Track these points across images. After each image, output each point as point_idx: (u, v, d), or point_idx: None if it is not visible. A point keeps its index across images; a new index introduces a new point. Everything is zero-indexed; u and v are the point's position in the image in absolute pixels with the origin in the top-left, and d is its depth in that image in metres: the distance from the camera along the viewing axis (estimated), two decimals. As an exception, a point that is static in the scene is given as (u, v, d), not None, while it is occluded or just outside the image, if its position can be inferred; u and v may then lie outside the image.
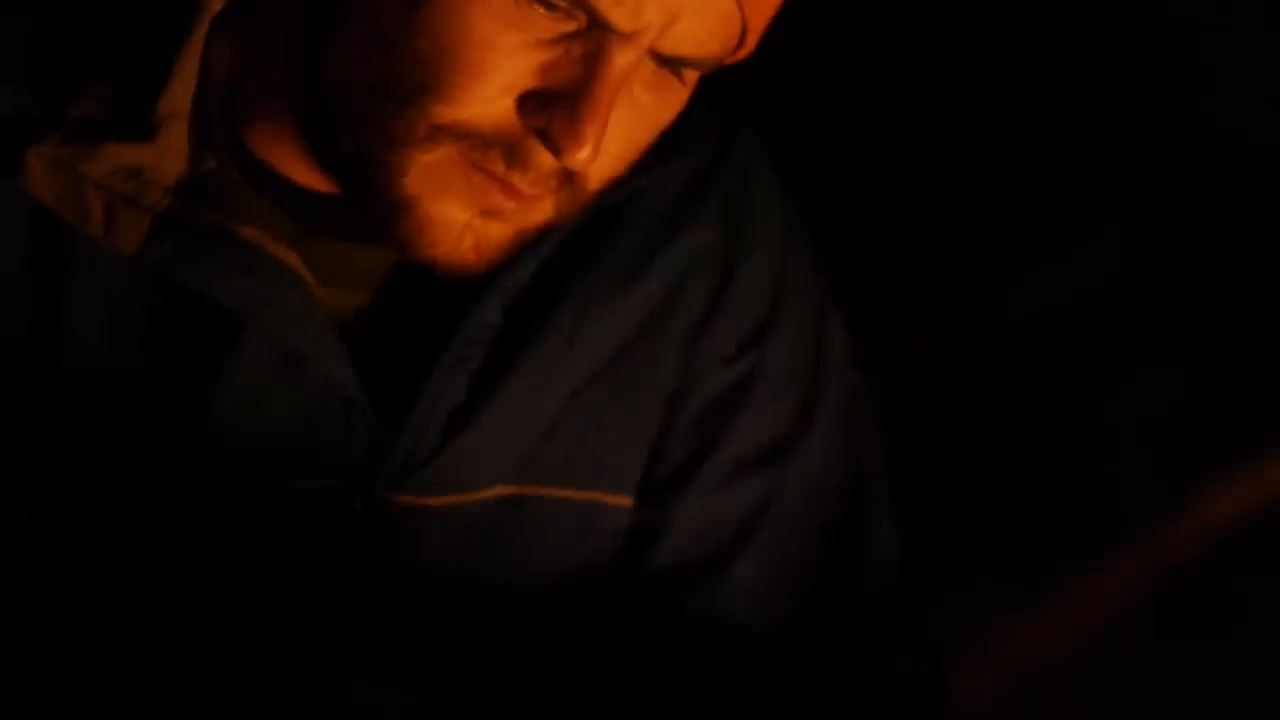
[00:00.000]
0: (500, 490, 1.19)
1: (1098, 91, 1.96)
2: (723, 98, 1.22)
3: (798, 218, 1.30)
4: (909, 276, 1.94)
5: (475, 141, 1.06)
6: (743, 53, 1.10)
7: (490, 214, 1.09)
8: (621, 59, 1.04)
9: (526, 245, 1.14)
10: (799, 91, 1.86)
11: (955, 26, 1.93)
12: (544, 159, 1.06)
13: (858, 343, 1.32)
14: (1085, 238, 1.97)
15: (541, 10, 1.03)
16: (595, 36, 1.04)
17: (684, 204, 1.25)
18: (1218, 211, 1.94)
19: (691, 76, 1.09)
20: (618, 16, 1.03)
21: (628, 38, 1.04)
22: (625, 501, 1.22)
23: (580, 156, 1.05)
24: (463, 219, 1.09)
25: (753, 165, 1.29)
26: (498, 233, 1.10)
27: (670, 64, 1.07)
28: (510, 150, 1.06)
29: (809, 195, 1.32)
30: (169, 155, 1.12)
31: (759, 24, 1.08)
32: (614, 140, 1.08)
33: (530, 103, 1.05)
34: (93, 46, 1.14)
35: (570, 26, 1.04)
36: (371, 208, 1.09)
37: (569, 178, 1.08)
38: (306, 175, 1.15)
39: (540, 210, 1.10)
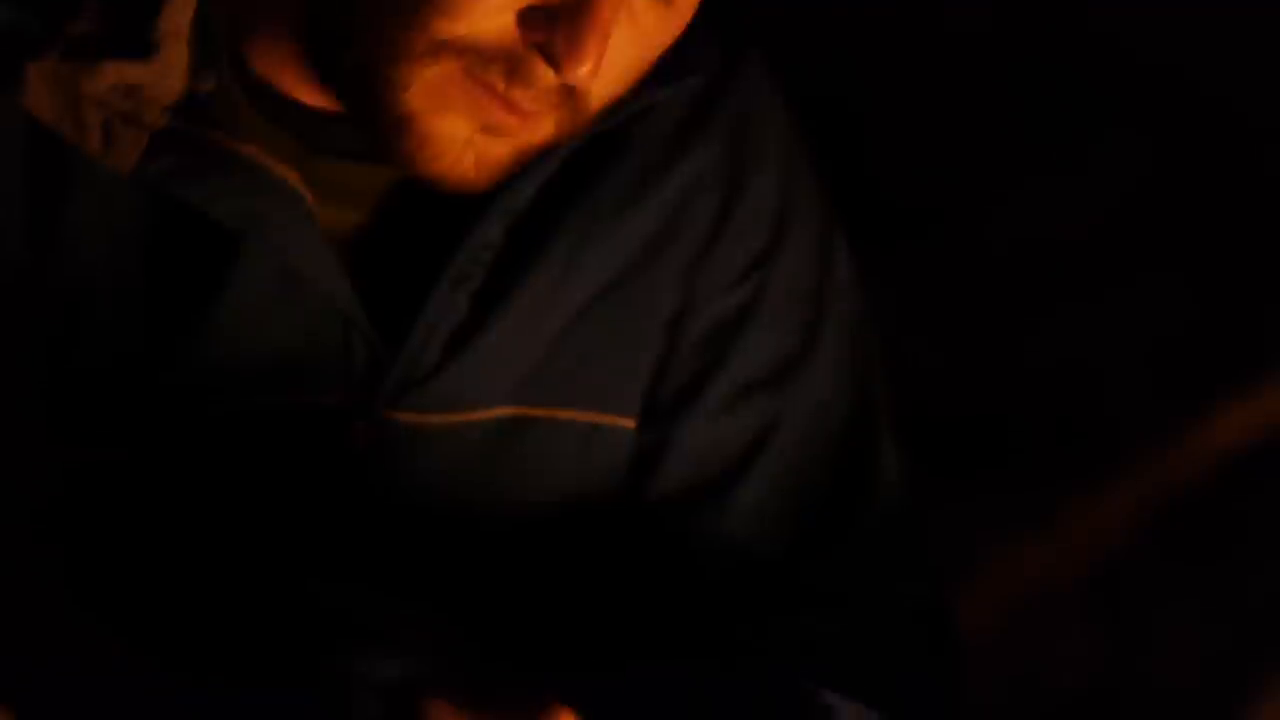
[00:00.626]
0: (501, 411, 1.19)
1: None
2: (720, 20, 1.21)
3: (802, 139, 1.30)
4: (902, 197, 1.94)
5: (476, 57, 1.05)
6: None
7: (491, 130, 1.08)
8: None
9: (528, 164, 1.13)
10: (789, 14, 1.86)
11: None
12: (545, 75, 1.05)
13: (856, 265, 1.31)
14: (1084, 156, 1.97)
15: None
16: None
17: (687, 126, 1.24)
18: (1219, 130, 1.93)
19: None
20: None
21: None
22: (628, 423, 1.21)
23: (581, 72, 1.04)
24: (464, 135, 1.08)
25: (757, 86, 1.28)
26: (499, 150, 1.09)
27: None
28: (511, 66, 1.05)
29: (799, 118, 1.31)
30: (168, 73, 1.11)
31: None
32: (615, 58, 1.08)
33: (531, 18, 1.04)
34: None
35: None
36: (373, 124, 1.08)
37: (570, 95, 1.08)
38: (307, 93, 1.15)
39: (541, 128, 1.09)
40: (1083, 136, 1.96)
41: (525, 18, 1.04)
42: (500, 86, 1.06)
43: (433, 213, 1.15)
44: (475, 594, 1.19)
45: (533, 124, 1.09)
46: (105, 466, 1.13)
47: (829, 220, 1.29)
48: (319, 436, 1.15)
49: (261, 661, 1.13)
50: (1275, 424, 1.94)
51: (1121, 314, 1.95)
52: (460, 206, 1.15)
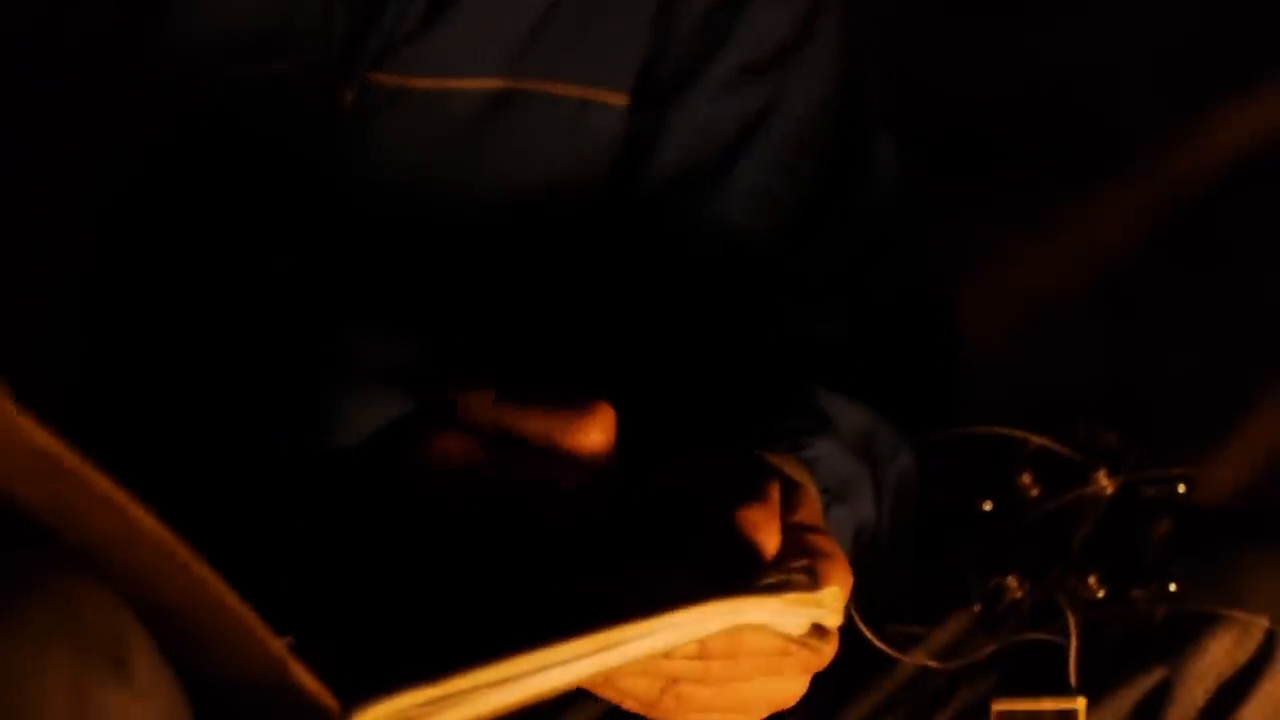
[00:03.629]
0: (488, 82, 1.19)
1: None
2: None
3: None
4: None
5: None
6: None
7: None
8: None
9: None
10: None
11: None
12: None
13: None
14: None
15: None
16: None
17: None
18: None
19: None
20: None
21: None
22: (620, 100, 1.22)
23: None
24: None
25: None
26: None
27: None
28: None
29: None
30: None
31: None
32: None
33: None
34: None
35: None
36: None
37: None
38: None
39: None
40: None
41: None
42: None
43: None
44: (466, 277, 1.19)
45: None
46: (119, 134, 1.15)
47: None
48: (305, 102, 1.16)
49: (254, 341, 1.14)
50: (1276, 126, 1.93)
51: (1122, 17, 1.92)
52: None
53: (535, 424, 0.92)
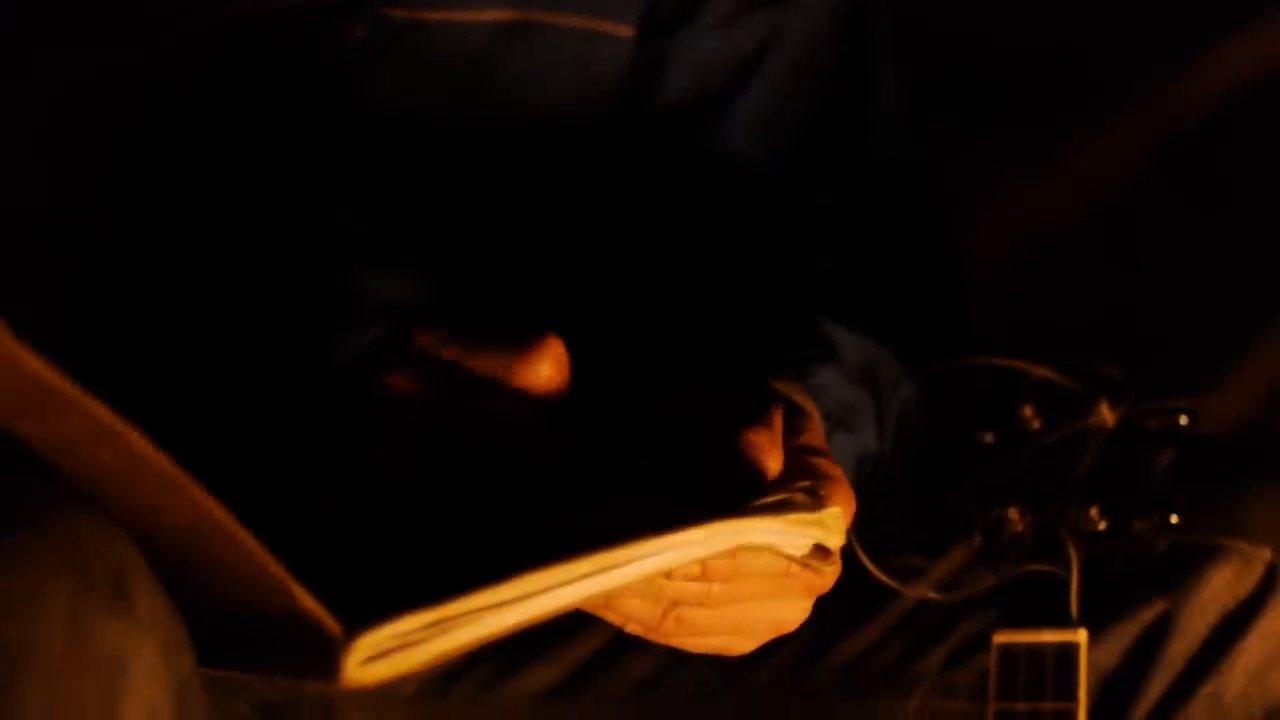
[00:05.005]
0: (498, 14, 1.18)
1: None
2: None
3: None
4: None
5: None
6: None
7: None
8: None
9: None
10: None
11: None
12: None
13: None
14: None
15: None
16: None
17: None
18: None
19: None
20: None
21: None
22: (626, 31, 1.21)
23: None
24: None
25: None
26: None
27: None
28: None
29: None
30: None
31: None
32: None
33: None
34: None
35: None
36: None
37: None
38: None
39: None
40: None
41: None
42: None
43: None
44: (473, 209, 1.19)
45: None
46: (123, 71, 1.14)
47: None
48: (314, 37, 1.15)
49: (257, 274, 1.14)
50: (1276, 61, 1.92)
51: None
52: None
53: (484, 360, 0.93)
